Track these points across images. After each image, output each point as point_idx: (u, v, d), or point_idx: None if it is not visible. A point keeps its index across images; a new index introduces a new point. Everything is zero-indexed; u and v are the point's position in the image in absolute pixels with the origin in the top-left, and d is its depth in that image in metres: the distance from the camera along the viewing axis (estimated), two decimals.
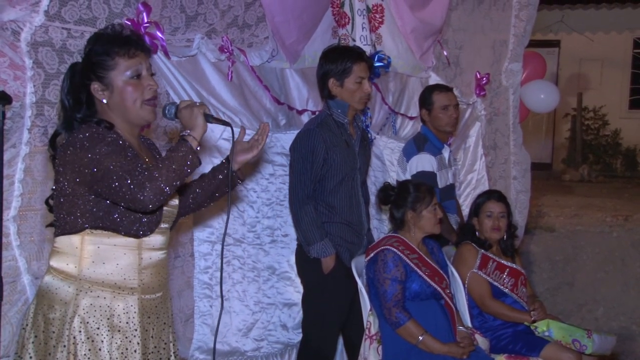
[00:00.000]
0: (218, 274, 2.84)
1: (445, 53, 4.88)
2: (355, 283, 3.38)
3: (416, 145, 4.07)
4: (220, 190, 2.47)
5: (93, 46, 2.18)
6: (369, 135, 4.08)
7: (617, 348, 4.27)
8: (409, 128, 4.62)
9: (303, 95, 3.81)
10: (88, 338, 2.10)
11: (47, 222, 2.34)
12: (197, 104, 2.21)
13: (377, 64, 4.07)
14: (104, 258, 2.14)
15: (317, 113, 3.71)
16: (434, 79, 4.70)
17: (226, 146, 3.26)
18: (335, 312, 3.46)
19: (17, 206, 2.46)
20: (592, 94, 12.01)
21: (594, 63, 12.19)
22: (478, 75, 5.11)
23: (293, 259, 3.60)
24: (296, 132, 3.52)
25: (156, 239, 2.24)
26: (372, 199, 3.86)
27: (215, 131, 3.29)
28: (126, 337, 2.15)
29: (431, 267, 3.35)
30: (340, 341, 3.70)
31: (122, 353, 2.14)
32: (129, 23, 2.68)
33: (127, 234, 2.15)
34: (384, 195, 3.49)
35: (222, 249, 2.47)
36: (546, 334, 3.55)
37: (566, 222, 7.22)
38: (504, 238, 3.81)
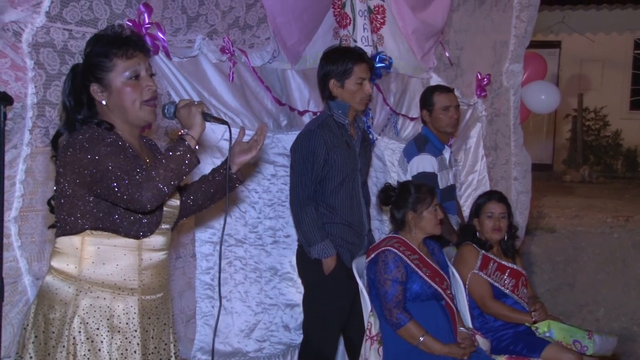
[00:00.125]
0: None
1: (447, 54, 4.88)
2: (356, 284, 3.37)
3: (417, 146, 4.07)
4: (220, 191, 2.47)
5: (92, 47, 2.18)
6: (371, 137, 4.08)
7: (618, 349, 4.26)
8: (410, 129, 4.62)
9: (304, 96, 3.81)
10: (87, 338, 2.10)
11: (49, 223, 2.35)
12: (196, 102, 2.20)
13: (378, 65, 4.07)
14: (104, 259, 2.14)
15: (318, 114, 3.71)
16: (435, 80, 4.70)
17: (227, 147, 3.25)
18: (336, 313, 3.46)
19: (18, 207, 2.46)
20: (592, 94, 12.00)
21: (595, 64, 12.18)
22: (479, 76, 5.11)
23: (295, 259, 3.60)
24: (297, 133, 3.52)
25: (157, 239, 2.24)
26: (373, 199, 3.86)
27: (217, 132, 3.29)
28: (126, 338, 2.15)
29: (432, 268, 3.35)
30: (341, 342, 3.69)
31: (121, 354, 2.14)
32: (130, 24, 2.67)
33: (127, 234, 2.15)
34: (385, 196, 3.49)
35: (220, 249, 2.47)
36: (547, 334, 3.56)
37: (567, 223, 7.22)
38: (505, 239, 3.81)
